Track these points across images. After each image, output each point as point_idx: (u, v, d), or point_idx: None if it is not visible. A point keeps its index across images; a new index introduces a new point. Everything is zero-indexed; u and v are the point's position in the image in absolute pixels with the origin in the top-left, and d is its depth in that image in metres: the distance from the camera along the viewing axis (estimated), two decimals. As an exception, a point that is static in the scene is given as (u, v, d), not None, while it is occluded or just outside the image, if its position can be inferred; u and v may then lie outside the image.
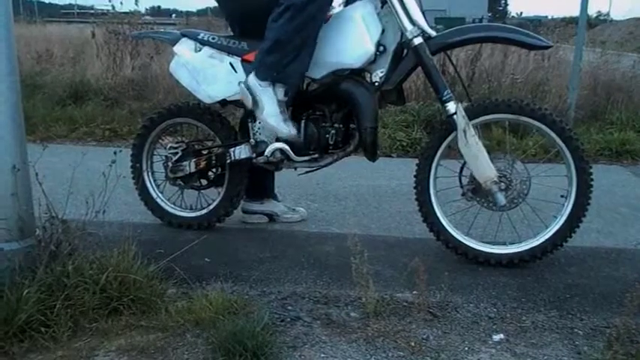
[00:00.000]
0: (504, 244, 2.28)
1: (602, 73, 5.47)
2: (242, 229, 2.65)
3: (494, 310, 1.92)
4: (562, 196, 2.21)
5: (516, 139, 4.40)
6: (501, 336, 1.75)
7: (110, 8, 6.68)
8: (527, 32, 2.19)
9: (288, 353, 1.64)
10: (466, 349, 1.69)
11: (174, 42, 2.50)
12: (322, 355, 1.64)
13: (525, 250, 2.23)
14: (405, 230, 2.67)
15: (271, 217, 2.76)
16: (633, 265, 2.32)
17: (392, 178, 3.48)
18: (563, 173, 2.21)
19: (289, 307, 1.90)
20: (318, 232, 2.65)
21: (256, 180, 2.64)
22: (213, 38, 2.44)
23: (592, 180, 2.16)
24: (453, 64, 2.71)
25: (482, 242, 2.30)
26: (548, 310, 1.92)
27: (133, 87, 5.48)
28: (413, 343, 1.70)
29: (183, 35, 2.51)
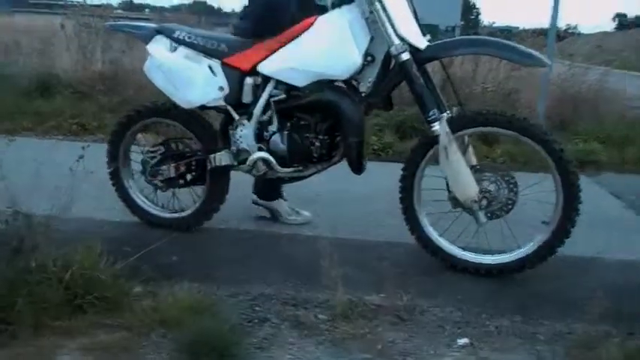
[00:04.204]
0: (503, 252, 2.24)
1: (569, 86, 5.60)
2: (211, 229, 2.62)
3: (459, 314, 1.95)
4: (543, 222, 2.20)
5: (486, 146, 4.47)
6: (466, 340, 1.78)
7: (81, 0, 6.56)
8: (522, 50, 2.13)
9: (256, 354, 1.64)
10: (431, 352, 1.71)
11: (148, 39, 2.42)
12: (289, 357, 1.64)
13: (514, 261, 2.21)
14: (374, 233, 2.68)
15: (274, 215, 2.75)
16: (593, 273, 2.37)
17: (363, 181, 3.48)
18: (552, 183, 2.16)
19: (257, 308, 1.90)
20: (288, 233, 2.64)
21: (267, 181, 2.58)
22: (189, 37, 2.36)
23: (580, 191, 2.14)
24: (446, 71, 2.52)
25: (475, 253, 2.27)
26: (512, 316, 1.96)
27: (103, 81, 5.39)
28: (379, 346, 1.71)
29: (158, 32, 2.41)
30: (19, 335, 1.60)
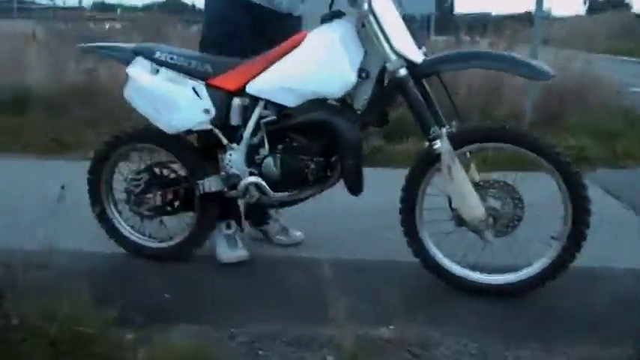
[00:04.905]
0: (513, 270, 2.15)
1: (555, 78, 5.49)
2: (202, 257, 2.46)
3: (475, 345, 1.84)
4: (552, 237, 2.10)
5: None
6: (485, 376, 1.68)
7: (51, 3, 6.32)
8: (529, 63, 2.02)
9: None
10: (450, 393, 1.61)
11: (127, 61, 2.26)
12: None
13: (525, 279, 2.12)
14: (373, 251, 2.55)
15: (267, 236, 2.65)
16: (606, 286, 2.28)
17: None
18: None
19: (260, 352, 1.77)
20: (285, 257, 2.51)
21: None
22: (171, 58, 2.21)
23: (589, 202, 2.05)
24: (444, 84, 2.22)
25: (483, 273, 2.17)
26: (529, 342, 1.85)
27: (78, 94, 5.18)
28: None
29: (137, 53, 2.26)
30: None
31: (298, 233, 2.67)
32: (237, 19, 2.29)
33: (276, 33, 2.25)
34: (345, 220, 2.94)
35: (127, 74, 2.26)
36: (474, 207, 2.03)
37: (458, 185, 2.01)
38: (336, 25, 2.07)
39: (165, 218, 2.44)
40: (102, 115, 4.64)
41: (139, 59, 2.25)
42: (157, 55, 2.23)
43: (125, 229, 2.46)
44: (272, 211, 2.63)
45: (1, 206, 1.81)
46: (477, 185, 2.09)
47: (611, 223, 2.94)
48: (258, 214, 2.60)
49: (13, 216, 2.74)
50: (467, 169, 2.10)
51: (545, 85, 5.42)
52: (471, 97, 4.95)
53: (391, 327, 1.88)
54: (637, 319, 2.01)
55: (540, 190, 2.09)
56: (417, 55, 2.05)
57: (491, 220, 2.06)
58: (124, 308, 1.83)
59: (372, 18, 1.97)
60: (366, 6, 1.96)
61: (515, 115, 4.94)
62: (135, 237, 2.46)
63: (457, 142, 2.04)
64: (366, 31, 2.00)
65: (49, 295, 1.75)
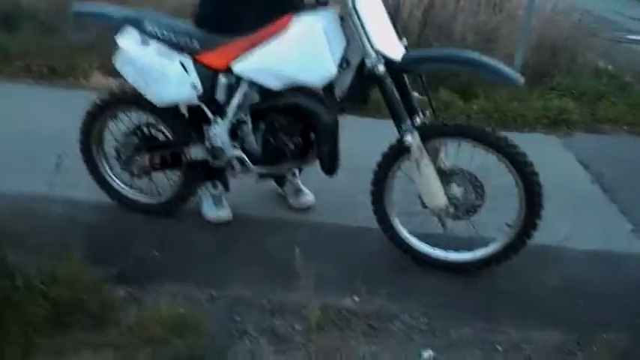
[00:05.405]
0: (470, 249, 2.34)
1: (549, 31, 5.46)
2: (189, 213, 2.64)
3: (426, 321, 2.06)
4: (507, 225, 2.28)
5: (463, 101, 4.47)
6: (430, 352, 1.91)
7: None
8: (501, 70, 2.10)
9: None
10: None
11: (117, 29, 2.34)
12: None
13: (479, 259, 2.33)
14: (347, 216, 2.68)
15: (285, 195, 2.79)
16: (557, 265, 2.47)
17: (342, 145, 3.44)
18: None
19: (237, 317, 1.99)
20: (262, 218, 2.68)
21: None
22: (161, 31, 2.30)
23: (542, 198, 2.21)
24: (422, 81, 2.35)
25: (444, 250, 2.36)
26: (475, 321, 2.08)
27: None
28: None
29: (127, 22, 2.33)
30: (8, 357, 1.67)
31: (310, 198, 2.77)
32: None
33: (270, 7, 2.30)
34: (323, 182, 2.83)
35: (116, 44, 2.35)
36: (437, 198, 2.22)
37: (424, 178, 2.19)
38: (321, 15, 2.14)
39: (154, 175, 2.60)
40: (94, 41, 4.62)
41: (129, 29, 2.33)
42: (147, 26, 2.31)
43: (116, 184, 2.63)
44: (288, 174, 2.74)
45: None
46: (442, 172, 2.26)
47: (575, 197, 3.09)
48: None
49: (11, 153, 2.89)
50: (435, 156, 2.27)
51: (539, 38, 5.40)
52: (465, 45, 4.95)
53: (355, 298, 2.10)
54: (579, 303, 2.23)
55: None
56: (396, 53, 2.16)
57: (452, 208, 2.25)
58: (116, 266, 2.05)
59: (354, 14, 2.05)
60: (350, 2, 2.04)
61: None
62: (126, 191, 2.63)
63: (426, 135, 2.22)
64: (348, 23, 2.10)
65: (49, 251, 1.95)
